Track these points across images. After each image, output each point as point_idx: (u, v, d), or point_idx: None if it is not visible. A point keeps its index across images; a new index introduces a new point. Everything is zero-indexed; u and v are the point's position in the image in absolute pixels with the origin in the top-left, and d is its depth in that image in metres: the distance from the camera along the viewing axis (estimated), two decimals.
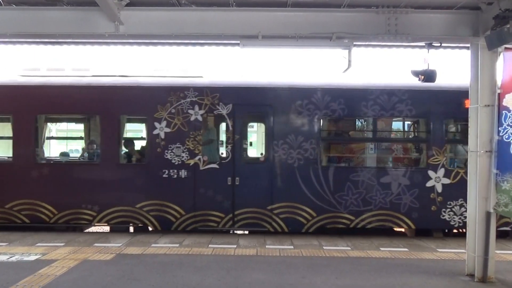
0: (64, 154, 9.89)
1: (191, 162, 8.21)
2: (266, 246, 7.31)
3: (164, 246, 7.24)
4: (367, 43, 6.96)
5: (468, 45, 6.00)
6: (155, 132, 8.23)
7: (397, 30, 5.90)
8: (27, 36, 6.73)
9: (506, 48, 5.42)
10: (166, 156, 8.21)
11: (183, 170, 8.20)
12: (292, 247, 7.31)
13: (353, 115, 8.54)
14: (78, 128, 10.35)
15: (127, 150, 8.74)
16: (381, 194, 8.14)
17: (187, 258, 6.53)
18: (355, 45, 6.18)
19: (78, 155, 9.84)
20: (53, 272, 5.66)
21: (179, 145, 8.20)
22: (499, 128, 5.44)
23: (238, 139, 8.28)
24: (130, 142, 8.92)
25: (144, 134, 8.91)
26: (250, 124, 10.20)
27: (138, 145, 8.99)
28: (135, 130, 11.21)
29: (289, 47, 6.26)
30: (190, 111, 8.24)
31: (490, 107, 5.59)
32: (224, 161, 8.31)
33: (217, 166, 8.26)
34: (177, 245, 7.31)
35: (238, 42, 6.09)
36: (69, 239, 7.61)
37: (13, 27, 6.05)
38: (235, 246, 7.28)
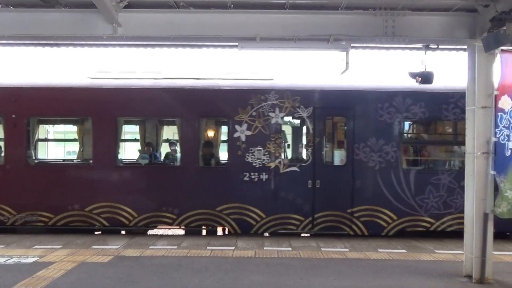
0: (143, 158, 9.56)
1: (272, 165, 8.20)
2: (264, 248, 7.31)
3: (162, 248, 7.23)
4: (364, 45, 6.99)
5: (465, 47, 6.04)
6: (236, 135, 8.22)
7: (394, 32, 5.93)
8: (25, 38, 6.72)
9: (502, 50, 5.45)
10: (247, 159, 8.20)
11: (264, 173, 8.20)
12: (290, 248, 7.31)
13: (434, 118, 8.49)
14: (155, 131, 10.17)
15: (204, 153, 8.66)
16: (462, 197, 8.11)
17: (185, 260, 6.52)
18: (352, 47, 6.20)
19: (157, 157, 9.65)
20: (51, 275, 5.65)
21: (260, 148, 8.19)
22: (496, 130, 5.47)
23: (318, 142, 8.26)
24: (209, 144, 8.85)
25: (224, 137, 8.89)
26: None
27: (216, 148, 8.99)
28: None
29: (287, 49, 6.29)
30: (271, 114, 8.22)
31: (487, 108, 5.61)
32: (305, 164, 8.29)
33: (297, 169, 8.24)
34: (175, 247, 7.30)
35: (236, 44, 6.11)
36: (66, 241, 7.59)
37: (11, 29, 6.05)
38: (233, 248, 7.27)
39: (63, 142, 13.19)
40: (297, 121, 8.69)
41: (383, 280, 5.73)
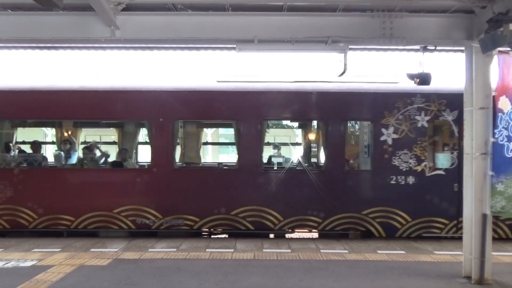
0: (285, 161, 9.42)
1: (418, 168, 8.13)
2: (264, 250, 7.30)
3: (161, 250, 7.21)
4: (362, 46, 7.00)
5: (463, 48, 6.05)
6: (382, 138, 8.15)
7: (392, 34, 5.95)
8: (23, 41, 6.72)
9: (499, 51, 5.47)
10: (394, 162, 8.14)
11: (410, 177, 8.13)
12: (289, 250, 7.30)
13: None
14: (295, 134, 10.12)
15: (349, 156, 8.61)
16: None
17: (184, 262, 6.50)
18: (350, 49, 6.21)
19: (294, 161, 9.46)
20: (50, 278, 5.63)
21: (407, 152, 8.14)
22: (494, 130, 5.48)
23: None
24: (353, 148, 8.82)
25: (368, 141, 8.76)
26: None
27: (359, 151, 8.89)
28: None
29: (285, 51, 6.30)
30: (417, 117, 8.15)
31: (485, 109, 5.63)
32: (451, 167, 8.20)
33: (443, 173, 8.17)
34: (174, 249, 7.29)
35: (234, 46, 6.11)
36: (65, 244, 7.57)
37: (9, 32, 6.06)
38: (232, 250, 7.26)
39: (207, 146, 12.93)
40: (442, 125, 8.55)
41: (382, 281, 5.73)
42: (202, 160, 10.65)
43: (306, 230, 8.55)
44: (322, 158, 8.79)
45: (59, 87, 8.51)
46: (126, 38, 6.08)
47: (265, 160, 8.87)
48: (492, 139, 5.51)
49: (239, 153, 8.44)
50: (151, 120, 8.36)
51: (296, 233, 8.69)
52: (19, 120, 9.09)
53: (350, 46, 6.12)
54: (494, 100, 5.55)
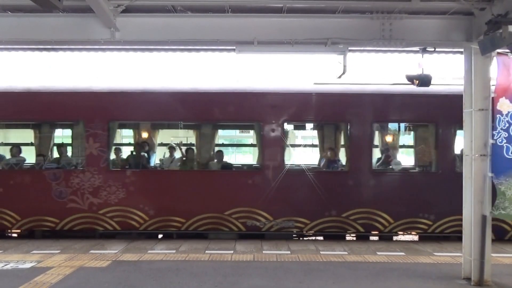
0: (397, 163, 9.14)
1: None
2: (263, 252, 7.29)
3: (160, 252, 7.20)
4: (362, 48, 7.01)
5: (462, 50, 6.06)
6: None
7: (391, 36, 5.96)
8: (23, 43, 6.75)
9: (499, 53, 5.48)
10: None
11: None
12: (289, 252, 7.29)
13: None
14: (408, 136, 9.92)
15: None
16: None
17: (183, 264, 6.49)
18: (350, 50, 6.22)
19: (404, 163, 9.37)
20: (49, 280, 5.61)
21: None
22: (493, 132, 5.49)
23: None
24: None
25: None
26: None
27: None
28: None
29: (284, 52, 6.31)
30: None
31: (484, 111, 5.63)
32: None
33: None
34: (174, 251, 7.28)
35: (234, 48, 6.12)
36: (64, 246, 7.55)
37: (9, 34, 6.07)
38: (231, 251, 7.26)
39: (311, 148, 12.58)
40: None
41: (382, 283, 5.72)
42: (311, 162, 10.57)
43: (415, 233, 8.52)
44: (435, 160, 8.54)
45: (180, 88, 8.55)
46: (126, 40, 6.09)
47: (375, 162, 8.80)
48: (491, 141, 5.52)
49: (349, 156, 8.38)
50: (263, 122, 8.35)
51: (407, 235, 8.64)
52: (125, 121, 9.01)
53: (349, 48, 6.14)
54: (493, 102, 5.55)
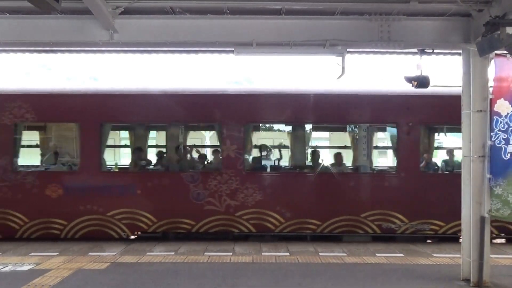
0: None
1: None
2: (262, 253, 7.29)
3: (159, 254, 7.19)
4: (360, 50, 7.01)
5: (460, 51, 6.08)
6: None
7: (389, 37, 5.97)
8: (21, 45, 6.73)
9: (496, 55, 5.49)
10: None
11: None
12: (288, 253, 7.29)
13: None
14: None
15: None
16: None
17: (182, 266, 6.49)
18: (348, 52, 6.23)
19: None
20: (47, 282, 5.60)
21: None
22: (491, 134, 5.49)
23: None
24: None
25: None
26: None
27: None
28: None
29: (283, 54, 6.30)
30: None
31: (483, 112, 5.64)
32: None
33: None
34: (173, 253, 7.26)
35: (232, 49, 6.13)
36: (63, 248, 7.54)
37: (8, 36, 6.06)
38: (230, 253, 7.24)
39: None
40: None
41: (381, 284, 5.72)
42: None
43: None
44: None
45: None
46: (125, 41, 6.08)
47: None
48: (489, 142, 5.53)
49: (397, 158, 8.29)
50: (400, 124, 8.29)
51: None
52: (260, 123, 9.07)
53: (348, 50, 6.14)
54: (491, 103, 5.56)
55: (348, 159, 8.93)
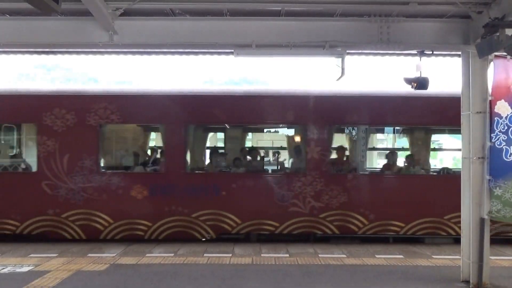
0: None
1: None
2: (262, 255, 7.28)
3: (158, 255, 7.18)
4: (360, 51, 7.03)
5: (459, 53, 6.09)
6: None
7: (389, 39, 5.97)
8: (21, 46, 6.72)
9: (496, 56, 5.50)
10: None
11: None
12: (287, 255, 7.28)
13: None
14: None
15: None
16: None
17: (182, 267, 6.48)
18: (348, 53, 6.23)
19: None
20: (46, 284, 5.59)
21: None
22: (491, 135, 5.50)
23: None
24: None
25: None
26: None
27: None
28: None
29: (282, 55, 6.31)
30: None
31: (482, 114, 5.65)
32: None
33: None
34: (172, 254, 7.25)
35: (232, 51, 6.13)
36: (62, 249, 7.52)
37: (7, 37, 6.06)
38: (230, 255, 7.24)
39: None
40: None
41: (380, 286, 5.72)
42: None
43: None
44: None
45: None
46: (124, 43, 6.09)
47: None
48: (489, 143, 5.53)
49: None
50: None
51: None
52: (343, 125, 9.00)
53: (347, 51, 6.15)
54: (491, 105, 5.57)
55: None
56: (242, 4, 5.79)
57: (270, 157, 8.98)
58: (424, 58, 6.72)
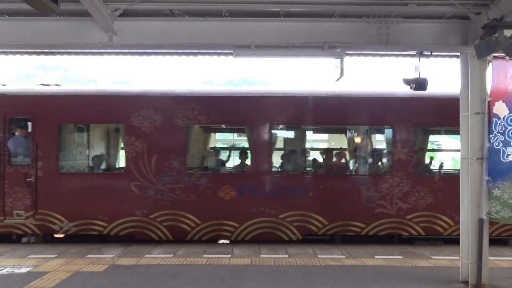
0: None
1: None
2: (261, 255, 7.28)
3: (158, 256, 7.17)
4: (359, 52, 7.03)
5: (458, 53, 6.10)
6: None
7: (388, 39, 5.98)
8: (20, 47, 6.71)
9: (494, 57, 5.51)
10: None
11: None
12: (286, 256, 7.28)
13: None
14: None
15: None
16: None
17: (181, 268, 6.47)
18: (347, 54, 6.24)
19: None
20: (45, 285, 5.58)
21: None
22: (490, 136, 5.51)
23: None
24: None
25: None
26: None
27: None
28: None
29: (281, 56, 6.30)
30: None
31: (481, 114, 5.66)
32: None
33: None
34: (171, 255, 7.25)
35: (231, 51, 6.13)
36: (61, 250, 7.51)
37: (7, 38, 6.05)
38: (229, 255, 7.23)
39: None
40: None
41: (380, 286, 5.72)
42: None
43: None
44: None
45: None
46: (123, 43, 6.09)
47: None
48: (487, 144, 5.54)
49: None
50: None
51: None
52: (429, 127, 8.90)
53: (346, 52, 6.15)
54: (489, 105, 5.58)
55: None
56: (241, 5, 5.79)
57: (359, 158, 8.93)
58: (423, 59, 6.74)
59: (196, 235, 8.18)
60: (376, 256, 7.26)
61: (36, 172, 8.11)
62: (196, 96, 8.46)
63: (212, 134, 9.44)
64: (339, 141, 9.20)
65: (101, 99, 8.42)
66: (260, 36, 6.01)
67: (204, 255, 7.22)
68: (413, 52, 6.72)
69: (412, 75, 6.96)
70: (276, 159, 8.68)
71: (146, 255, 7.22)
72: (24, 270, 6.28)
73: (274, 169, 8.47)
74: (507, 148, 5.40)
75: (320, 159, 9.02)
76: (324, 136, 9.88)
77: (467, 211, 5.75)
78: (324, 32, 6.02)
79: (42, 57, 7.83)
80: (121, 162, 8.75)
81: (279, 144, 8.94)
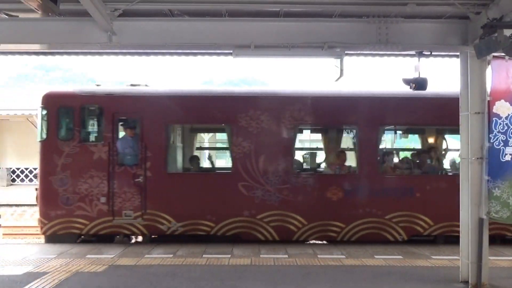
0: None
1: None
2: (261, 256, 7.27)
3: (157, 256, 7.17)
4: (358, 52, 7.04)
5: (458, 53, 6.10)
6: None
7: (388, 39, 5.98)
8: (20, 47, 6.72)
9: (494, 57, 5.51)
10: None
11: None
12: (286, 256, 7.27)
13: None
14: None
15: None
16: None
17: (180, 268, 6.47)
18: (346, 54, 6.24)
19: None
20: (44, 285, 5.57)
21: None
22: (490, 135, 5.51)
23: None
24: None
25: None
26: None
27: None
28: None
29: (281, 56, 6.31)
30: None
31: (481, 114, 5.66)
32: None
33: None
34: (171, 255, 7.24)
35: (231, 51, 6.13)
36: (61, 251, 7.50)
37: (6, 38, 6.05)
38: (229, 256, 7.23)
39: None
40: None
41: (379, 287, 5.72)
42: None
43: None
44: None
45: None
46: (123, 43, 6.08)
47: None
48: (487, 144, 5.54)
49: None
50: None
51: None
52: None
53: (346, 52, 6.15)
54: (489, 105, 5.58)
55: None
56: (241, 5, 5.80)
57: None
58: (422, 59, 6.74)
59: (302, 236, 8.19)
60: (376, 256, 7.25)
61: (145, 173, 8.11)
62: (302, 96, 8.40)
63: (318, 134, 9.35)
64: (446, 141, 9.09)
65: (207, 100, 8.42)
66: (260, 36, 6.01)
67: (203, 255, 7.22)
68: (413, 52, 6.73)
69: (412, 75, 6.98)
70: (383, 160, 8.58)
71: (146, 255, 7.22)
72: (23, 270, 6.26)
73: (380, 170, 8.38)
74: (506, 148, 5.40)
75: (428, 160, 8.89)
76: (432, 137, 9.65)
77: (466, 210, 5.75)
78: (323, 32, 6.01)
79: (42, 57, 7.84)
80: (229, 162, 8.66)
81: (388, 145, 8.91)
